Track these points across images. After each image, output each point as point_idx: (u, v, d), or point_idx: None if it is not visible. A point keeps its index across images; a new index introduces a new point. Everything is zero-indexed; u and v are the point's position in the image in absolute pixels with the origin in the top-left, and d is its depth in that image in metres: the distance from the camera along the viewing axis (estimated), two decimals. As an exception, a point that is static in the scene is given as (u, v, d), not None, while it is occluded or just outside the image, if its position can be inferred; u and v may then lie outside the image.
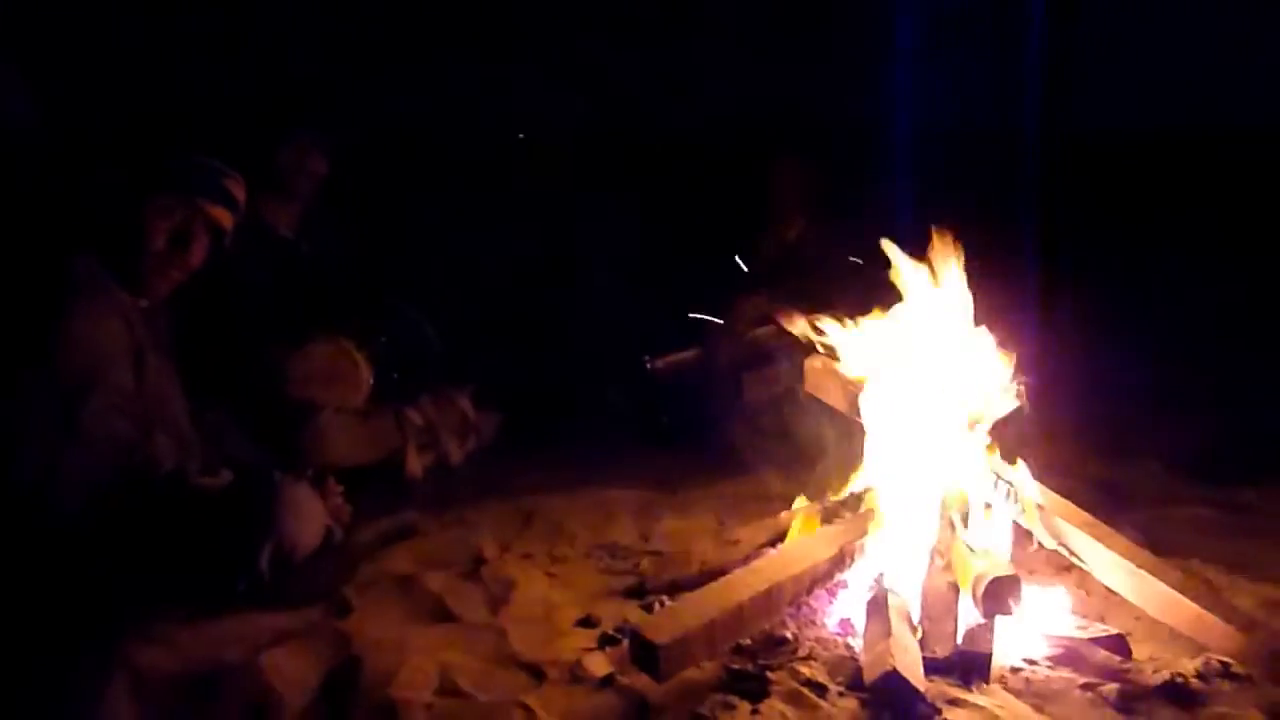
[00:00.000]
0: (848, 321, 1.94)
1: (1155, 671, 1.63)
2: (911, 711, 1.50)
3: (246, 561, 1.84)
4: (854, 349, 1.96)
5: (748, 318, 3.26)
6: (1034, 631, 1.76)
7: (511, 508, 2.54)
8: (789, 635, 1.75)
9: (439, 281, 3.50)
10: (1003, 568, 1.69)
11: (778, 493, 2.44)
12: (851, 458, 2.02)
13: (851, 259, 2.93)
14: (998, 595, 1.64)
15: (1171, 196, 3.72)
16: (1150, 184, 3.75)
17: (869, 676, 1.56)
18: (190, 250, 2.02)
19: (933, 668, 1.62)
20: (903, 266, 1.88)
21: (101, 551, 1.79)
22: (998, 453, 1.85)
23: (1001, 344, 1.89)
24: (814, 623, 1.81)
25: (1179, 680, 1.59)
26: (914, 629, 1.69)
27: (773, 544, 1.98)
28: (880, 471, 1.92)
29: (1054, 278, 3.61)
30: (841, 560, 1.77)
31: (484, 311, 3.57)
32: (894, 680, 1.52)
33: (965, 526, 1.81)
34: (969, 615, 1.70)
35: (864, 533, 1.82)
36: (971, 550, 1.76)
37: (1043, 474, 1.91)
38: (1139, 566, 1.71)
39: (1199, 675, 1.61)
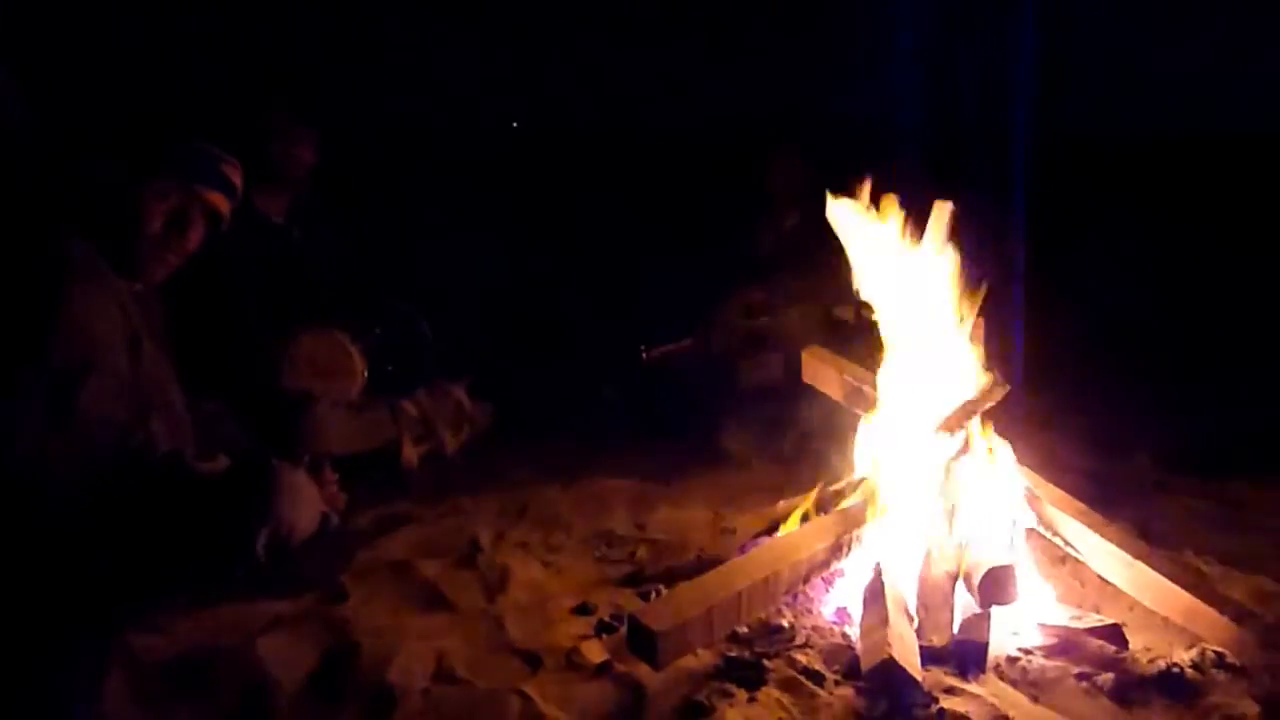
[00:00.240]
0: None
1: (1150, 661, 1.64)
2: (908, 700, 1.51)
3: (243, 547, 1.83)
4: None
5: (743, 308, 3.27)
6: (1030, 621, 1.76)
7: (506, 497, 2.54)
8: (785, 624, 1.76)
9: (435, 275, 3.50)
10: (999, 558, 1.70)
11: (773, 483, 2.44)
12: (848, 447, 2.02)
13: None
14: (994, 585, 1.64)
15: (1169, 195, 3.74)
16: (1147, 183, 3.77)
17: (866, 665, 1.56)
18: (187, 236, 2.00)
19: (929, 657, 1.63)
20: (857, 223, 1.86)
21: (97, 537, 1.78)
22: (990, 441, 1.86)
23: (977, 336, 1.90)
24: (810, 611, 1.81)
25: (1174, 670, 1.60)
26: (911, 618, 1.69)
27: (769, 533, 1.98)
28: (877, 461, 1.92)
29: (1047, 273, 3.63)
30: (838, 549, 1.77)
31: (480, 304, 3.57)
32: (891, 669, 1.52)
33: (962, 517, 1.81)
34: (966, 605, 1.71)
35: (861, 522, 1.82)
36: (968, 540, 1.76)
37: (1036, 466, 1.92)
38: (1134, 557, 1.72)
39: (1194, 665, 1.61)
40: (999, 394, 1.84)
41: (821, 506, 1.93)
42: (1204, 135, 3.79)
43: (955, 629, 1.69)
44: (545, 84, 4.28)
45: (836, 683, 1.59)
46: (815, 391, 2.17)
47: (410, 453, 2.75)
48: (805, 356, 2.15)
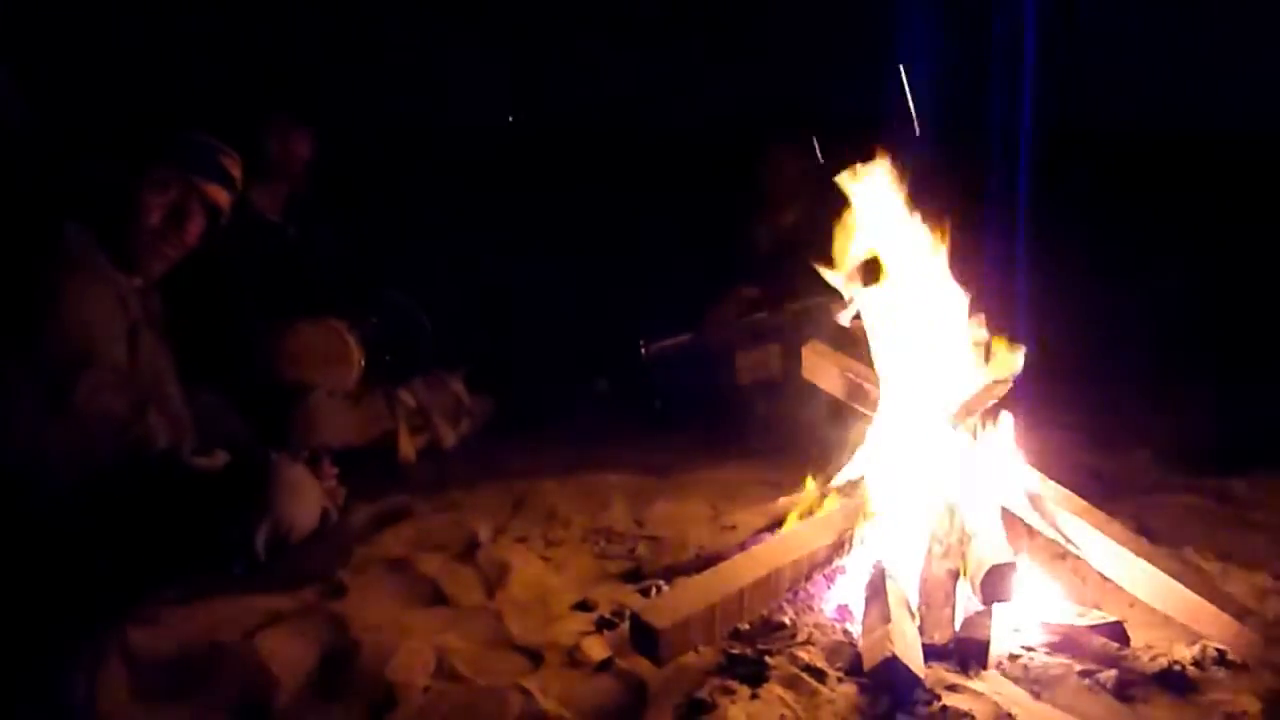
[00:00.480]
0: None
1: (1152, 659, 1.63)
2: (910, 697, 1.50)
3: (243, 542, 1.83)
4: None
5: (742, 303, 3.27)
6: (1032, 618, 1.76)
7: (504, 491, 2.53)
8: (787, 621, 1.75)
9: (434, 271, 3.50)
10: (1001, 554, 1.69)
11: (771, 478, 2.44)
12: (848, 443, 2.02)
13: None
14: (996, 582, 1.64)
15: (1165, 191, 3.75)
16: (1143, 179, 3.78)
17: (869, 662, 1.56)
18: (186, 228, 2.01)
19: (931, 654, 1.62)
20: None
21: (95, 531, 1.77)
22: (992, 436, 1.86)
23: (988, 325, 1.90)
24: (812, 608, 1.81)
25: (1176, 668, 1.59)
26: (912, 615, 1.69)
27: (770, 529, 1.98)
28: (878, 457, 1.92)
29: (1045, 270, 3.63)
30: (840, 546, 1.77)
31: (479, 298, 3.57)
32: (894, 666, 1.51)
33: (963, 513, 1.81)
34: (967, 602, 1.70)
35: (862, 519, 1.82)
36: (970, 537, 1.76)
37: (1036, 463, 1.91)
38: (1135, 554, 1.72)
39: (1195, 663, 1.61)
40: (1009, 377, 1.84)
41: (823, 503, 1.93)
42: (1204, 134, 3.80)
43: (957, 626, 1.68)
44: (545, 84, 4.29)
45: (839, 680, 1.58)
46: (815, 387, 2.17)
47: (407, 446, 2.74)
48: (805, 352, 2.15)
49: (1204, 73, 3.85)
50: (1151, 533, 2.08)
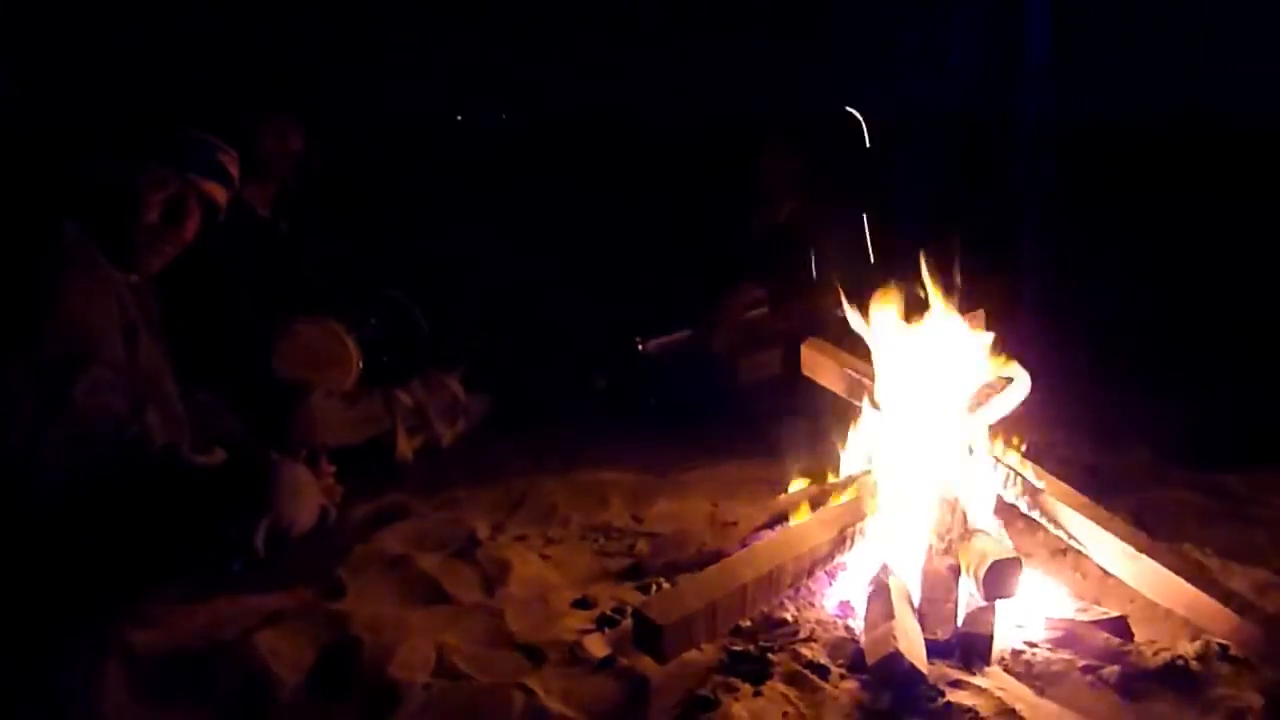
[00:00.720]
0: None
1: (1155, 654, 1.63)
2: (913, 693, 1.50)
3: (242, 540, 1.82)
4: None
5: (741, 303, 3.27)
6: (1035, 614, 1.76)
7: (503, 490, 2.52)
8: (789, 617, 1.74)
9: (433, 270, 3.50)
10: (1003, 550, 1.69)
11: (770, 475, 2.43)
12: (849, 440, 2.01)
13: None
14: (998, 578, 1.64)
15: (1164, 186, 3.75)
16: (1142, 173, 3.78)
17: (871, 659, 1.55)
18: (183, 225, 2.00)
19: (933, 650, 1.62)
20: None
21: (94, 529, 1.77)
22: (997, 435, 1.85)
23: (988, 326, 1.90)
24: (813, 605, 1.80)
25: (1179, 663, 1.59)
26: (915, 611, 1.69)
27: (770, 526, 1.97)
28: (880, 454, 1.92)
29: (1043, 264, 3.64)
30: (842, 542, 1.76)
31: (477, 298, 3.57)
32: (896, 662, 1.51)
33: (965, 509, 1.81)
34: (970, 598, 1.70)
35: (864, 515, 1.81)
36: (972, 533, 1.76)
37: (1036, 459, 1.91)
38: (1137, 550, 1.71)
39: (1198, 658, 1.60)
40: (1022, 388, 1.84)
41: (823, 499, 1.92)
42: (1205, 133, 3.80)
43: (959, 622, 1.68)
44: (545, 84, 4.28)
45: (841, 676, 1.58)
46: (815, 384, 2.16)
47: (405, 445, 2.74)
48: (805, 349, 2.15)
49: (1206, 71, 3.85)
50: (1150, 528, 2.07)
